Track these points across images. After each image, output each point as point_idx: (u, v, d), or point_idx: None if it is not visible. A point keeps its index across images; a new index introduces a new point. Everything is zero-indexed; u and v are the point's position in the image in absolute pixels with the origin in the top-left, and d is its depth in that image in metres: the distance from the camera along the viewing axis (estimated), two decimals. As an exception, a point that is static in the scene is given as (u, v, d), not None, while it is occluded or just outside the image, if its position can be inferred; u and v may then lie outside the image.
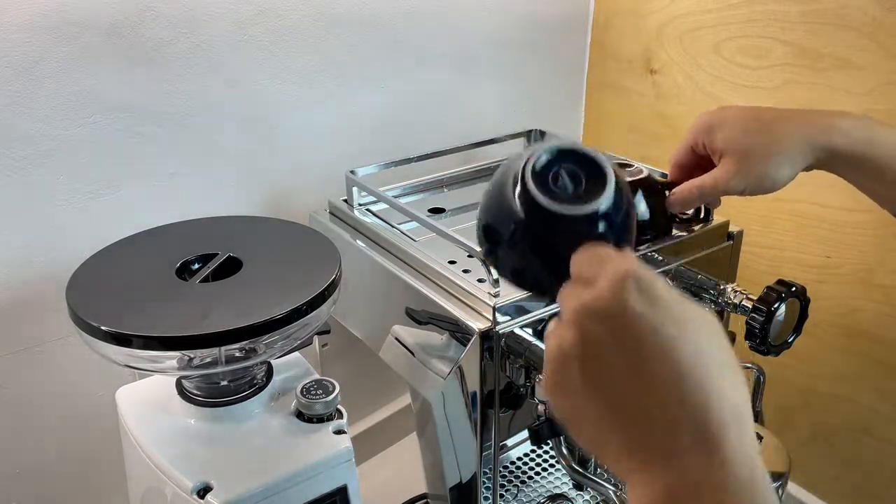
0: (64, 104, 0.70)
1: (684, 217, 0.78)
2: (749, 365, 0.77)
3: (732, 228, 0.82)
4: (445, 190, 0.93)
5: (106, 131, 0.73)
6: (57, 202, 0.73)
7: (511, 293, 0.65)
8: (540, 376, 0.63)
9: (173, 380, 0.63)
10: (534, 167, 0.37)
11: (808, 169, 0.62)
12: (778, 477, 0.66)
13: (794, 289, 0.70)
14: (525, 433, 0.71)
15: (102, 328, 0.52)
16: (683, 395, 0.29)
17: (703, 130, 0.64)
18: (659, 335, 0.30)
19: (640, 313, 0.30)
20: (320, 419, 0.61)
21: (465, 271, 0.70)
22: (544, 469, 0.90)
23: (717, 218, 0.80)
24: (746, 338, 0.72)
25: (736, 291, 0.74)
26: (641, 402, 0.30)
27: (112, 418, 0.66)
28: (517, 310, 0.65)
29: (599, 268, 0.33)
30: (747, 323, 0.71)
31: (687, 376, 0.30)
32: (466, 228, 0.81)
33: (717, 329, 0.32)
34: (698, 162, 0.66)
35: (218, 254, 0.62)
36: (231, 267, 0.61)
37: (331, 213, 0.86)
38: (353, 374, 0.98)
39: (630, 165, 0.76)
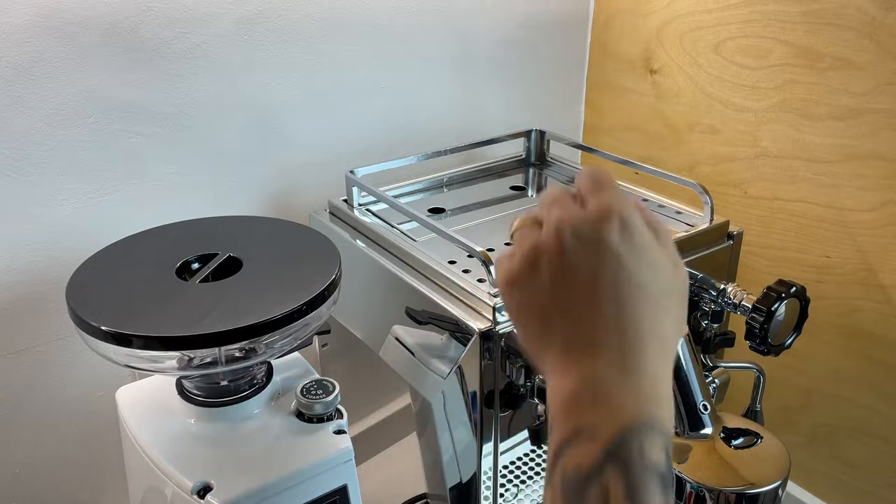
0: (64, 104, 0.70)
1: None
2: (749, 365, 0.77)
3: (732, 228, 0.82)
4: (445, 190, 0.93)
5: (106, 131, 0.74)
6: (57, 202, 0.73)
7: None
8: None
9: (173, 380, 0.63)
10: None
11: None
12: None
13: (794, 289, 0.70)
14: (525, 433, 0.71)
15: (102, 328, 0.52)
16: (622, 316, 0.34)
17: None
18: (621, 270, 0.35)
19: (614, 249, 0.35)
20: (320, 419, 0.61)
21: (465, 271, 0.70)
22: (544, 469, 0.90)
23: (718, 218, 0.80)
24: (746, 338, 0.72)
25: (736, 291, 0.74)
26: (588, 312, 0.35)
27: (112, 418, 0.66)
28: (517, 310, 0.65)
29: (596, 193, 0.37)
30: (747, 323, 0.71)
31: (626, 303, 0.35)
32: (466, 228, 0.81)
33: (678, 286, 0.37)
34: None
35: (218, 254, 0.62)
36: (231, 267, 0.61)
37: (331, 213, 0.86)
38: (353, 374, 0.98)
39: None
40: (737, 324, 0.77)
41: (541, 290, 0.36)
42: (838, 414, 0.98)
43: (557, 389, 0.35)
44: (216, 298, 0.56)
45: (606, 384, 0.34)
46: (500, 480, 0.76)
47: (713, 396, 0.71)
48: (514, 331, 0.41)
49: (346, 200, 0.85)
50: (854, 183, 0.89)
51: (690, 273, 0.76)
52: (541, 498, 0.85)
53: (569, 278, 0.35)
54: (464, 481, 0.71)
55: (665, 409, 0.34)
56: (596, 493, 0.31)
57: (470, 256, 0.72)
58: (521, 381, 0.66)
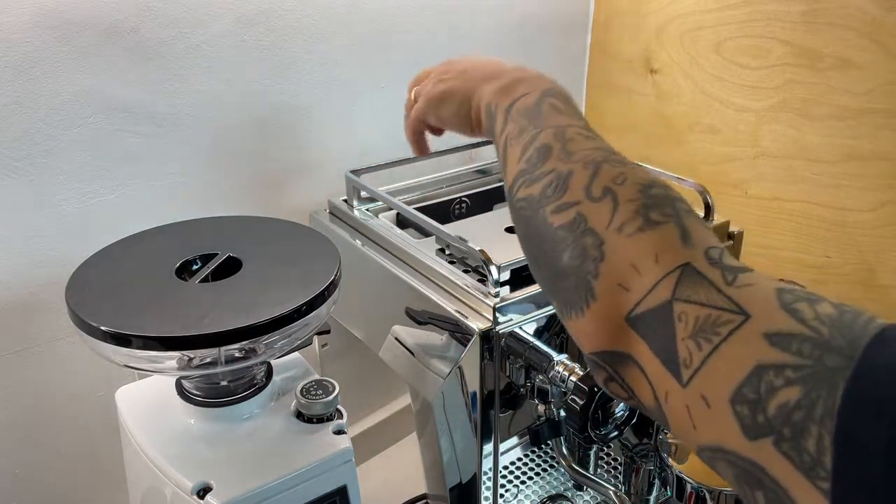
0: (64, 104, 0.70)
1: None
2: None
3: (733, 228, 0.82)
4: (445, 188, 0.93)
5: (106, 131, 0.73)
6: (57, 202, 0.73)
7: (511, 293, 0.65)
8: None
9: (173, 380, 0.63)
10: None
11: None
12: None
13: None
14: (525, 433, 0.71)
15: (102, 328, 0.52)
16: (487, 68, 0.55)
17: None
18: (469, 62, 0.58)
19: (460, 61, 0.59)
20: (320, 419, 0.61)
21: (465, 271, 0.70)
22: (544, 469, 0.90)
23: (718, 218, 0.80)
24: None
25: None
26: (479, 73, 0.55)
27: (112, 418, 0.66)
28: (517, 310, 0.65)
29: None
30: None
31: (485, 65, 0.56)
32: (466, 228, 0.81)
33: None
34: None
35: (218, 254, 0.62)
36: (231, 267, 0.61)
37: (331, 213, 0.86)
38: (353, 374, 0.98)
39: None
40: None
41: (454, 79, 0.57)
42: (838, 414, 0.98)
43: (492, 90, 0.52)
44: (216, 298, 0.56)
45: (519, 81, 0.51)
46: (500, 480, 0.76)
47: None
48: (443, 110, 0.58)
49: (346, 200, 0.85)
50: (854, 183, 0.89)
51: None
52: (541, 498, 0.86)
53: (458, 68, 0.57)
54: (464, 481, 0.71)
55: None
56: (549, 104, 0.47)
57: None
58: (521, 381, 0.66)
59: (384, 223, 0.80)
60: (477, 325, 0.63)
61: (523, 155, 0.45)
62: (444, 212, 0.89)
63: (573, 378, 0.59)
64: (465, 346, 0.64)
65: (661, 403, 0.34)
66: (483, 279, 0.68)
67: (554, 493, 0.86)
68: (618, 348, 0.36)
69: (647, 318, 0.34)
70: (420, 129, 0.64)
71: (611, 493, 0.71)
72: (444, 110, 0.57)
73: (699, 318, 0.32)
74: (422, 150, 0.66)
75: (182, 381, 0.62)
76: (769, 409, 0.29)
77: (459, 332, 0.65)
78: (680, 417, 0.33)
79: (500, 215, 0.86)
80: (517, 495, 0.87)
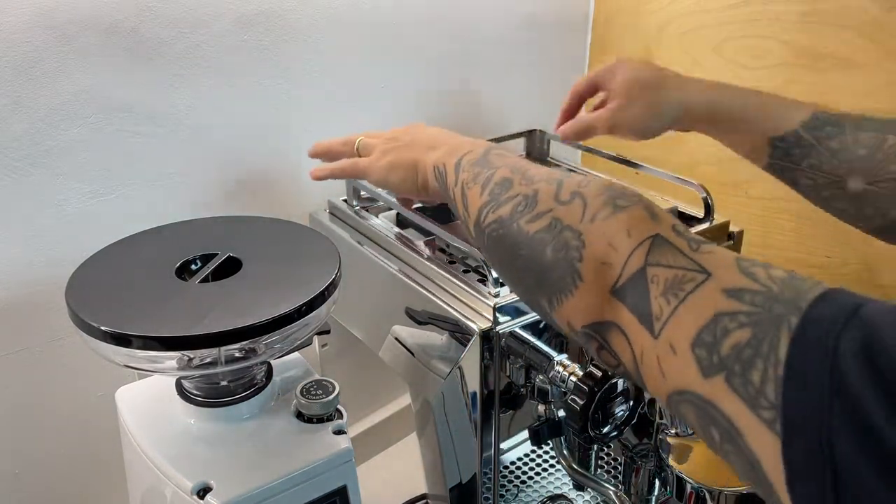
0: (64, 104, 0.70)
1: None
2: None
3: (733, 228, 0.82)
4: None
5: (106, 131, 0.73)
6: (57, 202, 0.73)
7: (511, 293, 0.65)
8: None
9: (173, 380, 0.63)
10: None
11: (676, 127, 0.71)
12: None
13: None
14: (525, 433, 0.71)
15: (102, 328, 0.52)
16: (436, 138, 0.61)
17: (605, 72, 0.73)
18: (418, 132, 0.63)
19: (411, 129, 0.64)
20: (320, 419, 0.61)
21: (465, 271, 0.70)
22: (544, 469, 0.90)
23: (718, 218, 0.80)
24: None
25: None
26: (424, 141, 0.60)
27: (112, 418, 0.66)
28: (517, 310, 0.65)
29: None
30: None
31: (432, 135, 0.62)
32: (466, 228, 0.81)
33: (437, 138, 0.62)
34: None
35: (218, 254, 0.62)
36: (231, 267, 0.61)
37: (331, 213, 0.86)
38: (353, 374, 0.98)
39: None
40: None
41: (401, 149, 0.61)
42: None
43: (438, 154, 0.57)
44: (216, 298, 0.56)
45: (459, 146, 0.56)
46: (500, 481, 0.76)
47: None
48: (392, 181, 0.62)
49: (346, 200, 0.85)
50: (854, 183, 0.89)
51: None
52: (541, 498, 0.86)
53: (403, 140, 0.62)
54: (464, 481, 0.71)
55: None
56: (494, 153, 0.53)
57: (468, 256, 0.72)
58: (521, 381, 0.66)
59: (384, 223, 0.80)
60: (477, 325, 0.63)
61: (484, 190, 0.50)
62: (445, 212, 0.89)
63: (573, 378, 0.59)
64: (465, 346, 0.64)
65: (638, 364, 0.38)
66: (483, 279, 0.68)
67: (554, 492, 0.86)
68: (606, 318, 0.40)
69: (628, 286, 0.39)
70: (345, 177, 0.71)
71: (611, 493, 0.71)
72: (392, 177, 0.62)
73: (668, 278, 0.37)
74: (318, 179, 0.70)
75: (182, 381, 0.62)
76: (723, 349, 0.33)
77: (459, 332, 0.65)
78: (652, 370, 0.37)
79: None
80: (517, 495, 0.87)
